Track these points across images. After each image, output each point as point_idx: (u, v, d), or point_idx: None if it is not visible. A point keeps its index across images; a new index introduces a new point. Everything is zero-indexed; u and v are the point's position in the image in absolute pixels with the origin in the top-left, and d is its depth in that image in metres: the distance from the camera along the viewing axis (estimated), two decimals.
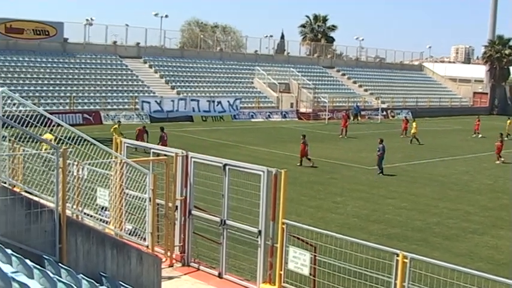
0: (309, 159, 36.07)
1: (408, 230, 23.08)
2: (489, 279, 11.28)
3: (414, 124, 52.58)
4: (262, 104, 72.86)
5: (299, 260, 13.35)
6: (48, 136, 16.85)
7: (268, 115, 70.45)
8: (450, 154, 44.65)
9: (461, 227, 23.90)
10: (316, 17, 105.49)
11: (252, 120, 67.60)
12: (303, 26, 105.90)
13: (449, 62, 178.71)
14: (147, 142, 31.81)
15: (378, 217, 24.76)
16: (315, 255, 13.47)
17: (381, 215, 25.17)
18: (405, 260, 11.66)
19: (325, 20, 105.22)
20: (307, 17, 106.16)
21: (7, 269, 8.66)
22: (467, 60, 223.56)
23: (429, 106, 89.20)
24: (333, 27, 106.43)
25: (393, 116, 75.70)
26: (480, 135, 58.47)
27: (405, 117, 67.36)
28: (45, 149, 16.89)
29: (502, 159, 41.77)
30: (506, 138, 50.70)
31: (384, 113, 78.29)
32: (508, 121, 60.60)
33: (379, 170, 34.86)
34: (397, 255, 11.81)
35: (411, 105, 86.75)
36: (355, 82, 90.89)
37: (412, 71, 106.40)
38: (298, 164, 35.64)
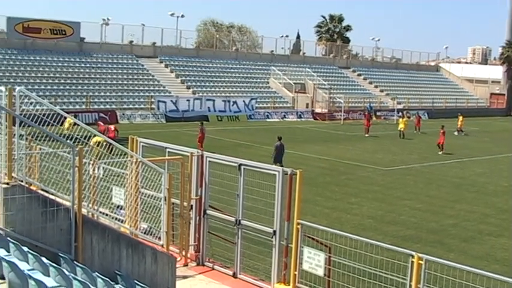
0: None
1: (423, 231, 22.99)
2: (505, 281, 11.21)
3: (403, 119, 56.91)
4: (277, 104, 72.86)
5: (313, 261, 13.34)
6: (97, 139, 17.13)
7: (284, 115, 70.43)
8: (466, 155, 44.44)
9: (477, 229, 23.75)
10: (332, 17, 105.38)
11: (268, 120, 67.61)
12: (319, 26, 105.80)
13: (466, 62, 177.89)
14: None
15: (392, 218, 24.69)
16: (330, 256, 13.44)
17: (396, 216, 25.09)
18: (420, 262, 11.62)
19: (341, 20, 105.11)
20: (323, 17, 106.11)
21: (23, 266, 8.71)
22: (484, 61, 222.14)
23: (445, 107, 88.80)
24: (349, 28, 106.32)
25: (409, 117, 75.35)
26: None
27: (417, 114, 67.37)
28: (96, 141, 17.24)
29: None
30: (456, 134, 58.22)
31: (400, 113, 78.11)
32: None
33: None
34: (412, 256, 11.77)
35: (427, 106, 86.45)
36: (371, 83, 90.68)
37: (428, 71, 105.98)
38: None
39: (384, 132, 60.28)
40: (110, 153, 15.32)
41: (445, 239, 22.03)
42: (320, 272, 13.28)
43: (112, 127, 39.14)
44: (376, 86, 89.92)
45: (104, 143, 15.23)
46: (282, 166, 32.21)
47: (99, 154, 15.49)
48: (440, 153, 44.66)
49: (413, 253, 11.88)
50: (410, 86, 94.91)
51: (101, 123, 42.79)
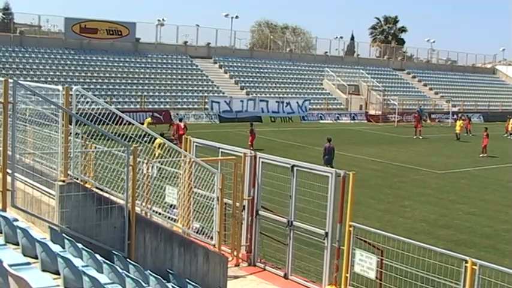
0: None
1: (477, 236, 22.66)
2: None
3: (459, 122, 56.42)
4: (331, 106, 72.62)
5: (365, 263, 13.27)
6: (157, 141, 17.44)
7: (337, 117, 70.19)
8: None
9: None
10: (386, 19, 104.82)
11: (321, 121, 67.45)
12: (373, 27, 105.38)
13: None
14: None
15: (446, 222, 24.39)
16: (382, 259, 13.35)
17: (450, 220, 24.78)
18: (474, 267, 11.46)
19: (395, 21, 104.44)
20: (378, 18, 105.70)
21: (78, 262, 8.82)
22: None
23: (502, 110, 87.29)
24: (404, 29, 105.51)
25: (464, 120, 74.36)
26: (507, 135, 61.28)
27: (467, 116, 66.29)
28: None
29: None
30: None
31: (455, 116, 77.11)
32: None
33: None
34: (466, 261, 11.62)
35: (483, 108, 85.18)
36: (425, 85, 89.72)
37: (484, 74, 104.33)
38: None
39: (438, 135, 59.64)
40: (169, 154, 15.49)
41: (499, 244, 21.68)
42: (372, 275, 13.20)
43: (182, 124, 40.33)
44: (430, 89, 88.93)
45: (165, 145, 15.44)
46: (331, 168, 32.33)
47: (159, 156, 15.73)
48: (481, 155, 44.34)
49: (467, 258, 11.73)
50: (465, 88, 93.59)
51: (174, 122, 43.66)
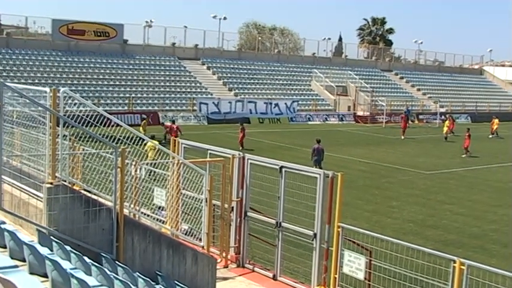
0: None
1: (465, 236, 22.73)
2: None
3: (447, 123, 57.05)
4: (319, 107, 72.69)
5: (354, 264, 13.29)
6: (149, 145, 17.45)
7: (325, 118, 70.26)
8: (509, 160, 43.81)
9: None
10: (374, 20, 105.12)
11: (309, 122, 67.49)
12: (361, 28, 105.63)
13: (511, 66, 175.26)
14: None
15: (434, 223, 24.46)
16: (370, 260, 13.37)
17: (438, 220, 24.85)
18: (462, 267, 11.49)
19: (383, 23, 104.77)
20: (365, 19, 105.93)
21: (66, 265, 8.81)
22: None
23: (489, 111, 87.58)
24: (391, 30, 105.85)
25: (453, 120, 74.48)
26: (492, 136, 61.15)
27: (451, 116, 66.05)
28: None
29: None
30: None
31: (443, 117, 77.33)
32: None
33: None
34: (454, 261, 11.64)
35: (470, 109, 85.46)
36: (413, 86, 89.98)
37: (471, 74, 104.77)
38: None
39: (426, 135, 59.82)
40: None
41: (487, 244, 21.77)
42: (360, 275, 13.22)
43: (174, 126, 40.46)
44: (418, 89, 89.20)
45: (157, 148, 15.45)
46: (320, 169, 32.39)
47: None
48: (463, 156, 44.53)
49: (455, 258, 11.76)
50: (453, 89, 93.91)
51: (167, 123, 43.71)
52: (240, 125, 44.39)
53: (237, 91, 69.54)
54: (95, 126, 12.07)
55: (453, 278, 11.60)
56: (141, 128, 41.78)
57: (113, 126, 12.69)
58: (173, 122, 43.86)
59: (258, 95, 69.92)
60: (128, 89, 62.24)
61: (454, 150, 47.00)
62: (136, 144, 13.74)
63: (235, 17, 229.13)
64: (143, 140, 14.00)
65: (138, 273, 10.29)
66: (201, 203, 15.69)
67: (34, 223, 10.59)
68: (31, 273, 8.78)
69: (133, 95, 60.73)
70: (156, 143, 18.03)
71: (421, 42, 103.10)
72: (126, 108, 58.70)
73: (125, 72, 64.91)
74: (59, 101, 11.31)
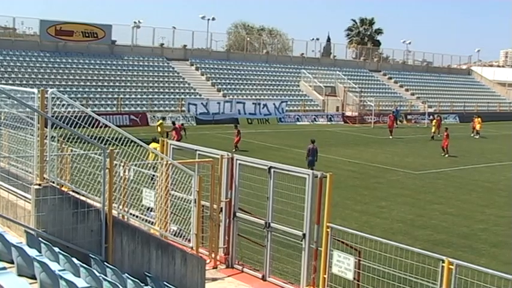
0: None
1: (454, 236, 22.80)
2: None
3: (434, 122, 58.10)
4: (308, 107, 72.78)
5: (343, 264, 13.30)
6: (154, 145, 17.41)
7: (314, 118, 70.33)
8: (497, 160, 44.00)
9: (508, 234, 23.47)
10: (362, 21, 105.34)
11: (298, 123, 67.53)
12: (350, 29, 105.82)
13: (498, 66, 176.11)
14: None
15: (423, 222, 24.52)
16: (359, 260, 13.39)
17: (427, 220, 24.91)
18: (451, 267, 11.52)
19: (371, 23, 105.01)
20: (354, 20, 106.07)
21: (54, 266, 8.78)
22: None
23: (477, 111, 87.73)
24: (380, 31, 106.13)
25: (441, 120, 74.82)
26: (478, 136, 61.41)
27: (438, 116, 66.04)
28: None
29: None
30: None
31: (431, 117, 77.54)
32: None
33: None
34: (443, 261, 11.67)
35: (458, 109, 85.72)
36: (401, 86, 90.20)
37: (459, 75, 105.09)
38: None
39: (414, 135, 59.97)
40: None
41: (475, 244, 21.85)
42: (349, 275, 13.24)
43: (177, 127, 40.84)
44: (407, 90, 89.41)
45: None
46: (313, 169, 32.41)
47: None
48: (442, 154, 44.93)
49: (444, 258, 11.79)
50: (441, 89, 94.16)
51: (176, 123, 43.61)
52: (235, 128, 44.20)
53: (225, 92, 69.51)
54: (83, 127, 12.02)
55: (442, 277, 11.62)
56: (158, 127, 41.90)
57: (101, 127, 12.65)
58: (173, 123, 43.58)
59: (247, 96, 69.89)
60: (117, 90, 62.10)
61: (442, 150, 47.12)
62: (125, 145, 13.69)
63: (224, 18, 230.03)
64: (132, 140, 13.93)
65: (127, 274, 10.27)
66: (190, 203, 15.67)
67: (22, 224, 10.55)
68: (19, 275, 8.75)
69: (121, 96, 60.60)
70: (158, 145, 17.98)
71: (409, 43, 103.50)
72: (114, 109, 58.60)
73: (113, 73, 64.76)
74: (47, 102, 11.27)
